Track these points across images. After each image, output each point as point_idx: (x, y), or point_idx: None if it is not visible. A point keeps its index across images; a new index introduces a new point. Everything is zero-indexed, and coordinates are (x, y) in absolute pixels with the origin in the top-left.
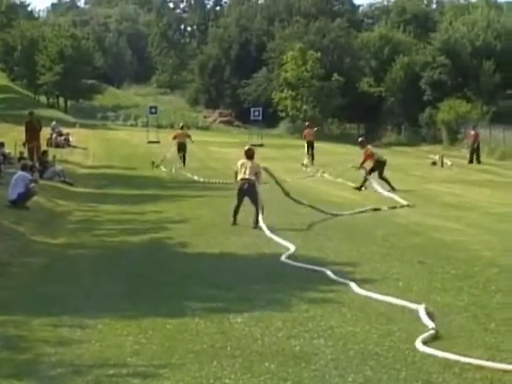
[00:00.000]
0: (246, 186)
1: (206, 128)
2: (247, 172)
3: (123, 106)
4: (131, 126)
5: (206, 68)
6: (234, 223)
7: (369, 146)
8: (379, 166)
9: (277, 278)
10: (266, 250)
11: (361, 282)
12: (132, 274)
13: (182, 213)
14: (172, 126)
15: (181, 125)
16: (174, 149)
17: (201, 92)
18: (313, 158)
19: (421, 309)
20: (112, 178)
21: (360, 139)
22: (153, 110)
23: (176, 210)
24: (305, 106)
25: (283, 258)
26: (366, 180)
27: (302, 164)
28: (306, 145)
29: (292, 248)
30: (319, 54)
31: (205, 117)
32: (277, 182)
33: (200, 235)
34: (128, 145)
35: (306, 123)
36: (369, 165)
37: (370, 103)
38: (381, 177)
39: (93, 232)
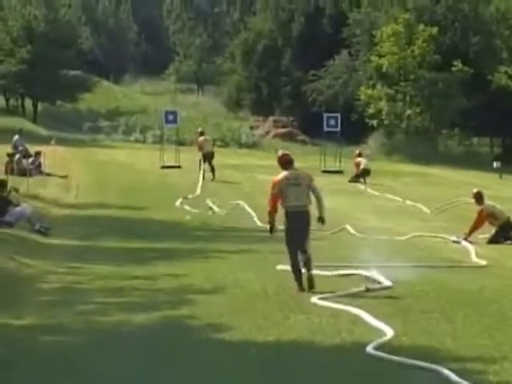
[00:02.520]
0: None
1: (252, 145)
2: (299, 194)
3: (124, 111)
4: (136, 141)
5: (254, 52)
6: (302, 289)
7: (488, 203)
8: (507, 229)
9: (365, 382)
10: (346, 336)
11: None
12: (138, 377)
13: (215, 277)
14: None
15: (200, 130)
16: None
17: (245, 89)
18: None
19: None
20: (106, 222)
21: (474, 191)
22: (170, 118)
23: (205, 273)
24: (408, 111)
25: (370, 348)
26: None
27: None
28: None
29: (389, 332)
30: (435, 30)
31: (251, 128)
32: None
33: (243, 313)
34: (131, 171)
35: (357, 151)
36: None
37: (509, 106)
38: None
39: (76, 307)
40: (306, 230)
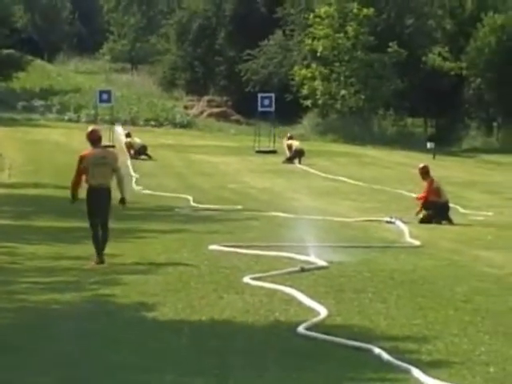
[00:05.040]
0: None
1: (187, 125)
2: (103, 173)
3: (58, 91)
4: (70, 120)
5: (188, 32)
6: (100, 261)
7: (433, 178)
8: (445, 210)
9: (298, 362)
10: (279, 316)
11: (428, 367)
12: (65, 357)
13: (149, 257)
14: (134, 123)
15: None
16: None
17: (180, 69)
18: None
19: None
20: (40, 202)
21: (421, 166)
22: (104, 97)
23: (139, 252)
24: (343, 91)
25: (302, 328)
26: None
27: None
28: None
29: (323, 312)
30: (371, 11)
31: (186, 107)
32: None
33: (177, 293)
34: (65, 150)
35: (288, 134)
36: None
37: (443, 87)
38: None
39: (6, 287)
40: (106, 207)
